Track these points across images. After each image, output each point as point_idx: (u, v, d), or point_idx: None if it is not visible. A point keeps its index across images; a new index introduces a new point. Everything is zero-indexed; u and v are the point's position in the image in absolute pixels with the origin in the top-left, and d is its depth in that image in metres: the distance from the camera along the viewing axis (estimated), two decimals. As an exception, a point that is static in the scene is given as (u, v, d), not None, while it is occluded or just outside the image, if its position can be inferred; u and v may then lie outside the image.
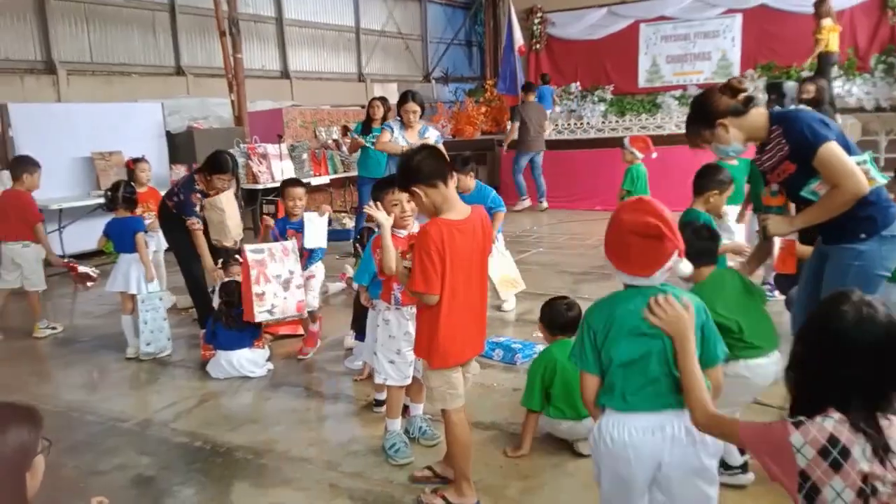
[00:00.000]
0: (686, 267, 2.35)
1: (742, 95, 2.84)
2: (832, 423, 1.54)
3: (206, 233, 4.99)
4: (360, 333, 4.66)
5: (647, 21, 14.55)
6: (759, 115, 2.87)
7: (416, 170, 2.65)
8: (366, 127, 8.06)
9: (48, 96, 9.32)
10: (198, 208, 4.90)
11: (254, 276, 4.29)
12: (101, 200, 7.82)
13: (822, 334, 1.62)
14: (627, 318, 1.93)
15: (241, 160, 8.93)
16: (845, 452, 1.51)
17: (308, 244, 4.60)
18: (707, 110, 2.89)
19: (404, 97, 6.54)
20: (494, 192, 5.40)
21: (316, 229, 4.65)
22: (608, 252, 2.00)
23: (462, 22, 17.99)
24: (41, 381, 4.75)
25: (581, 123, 11.82)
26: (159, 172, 9.10)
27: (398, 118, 6.67)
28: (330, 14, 14.39)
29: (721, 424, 1.79)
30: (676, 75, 14.39)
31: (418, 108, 6.46)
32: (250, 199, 9.05)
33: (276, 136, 9.34)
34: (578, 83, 14.88)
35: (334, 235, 9.17)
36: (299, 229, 4.58)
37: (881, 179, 2.79)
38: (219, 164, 4.87)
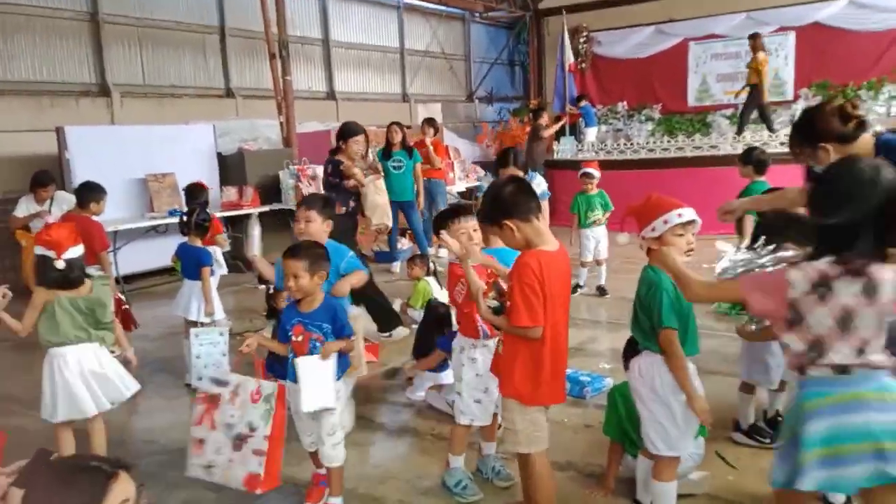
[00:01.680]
0: (622, 238, 2.81)
1: (853, 122, 2.69)
2: (825, 264, 1.95)
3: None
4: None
5: (696, 39, 14.36)
6: (865, 143, 2.72)
7: (510, 203, 2.53)
8: (386, 152, 8.19)
9: (102, 118, 9.45)
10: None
11: (196, 414, 3.03)
12: (154, 223, 7.94)
13: (839, 188, 1.98)
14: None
15: (290, 181, 8.93)
16: (831, 288, 1.93)
17: (305, 407, 2.89)
18: (813, 130, 2.77)
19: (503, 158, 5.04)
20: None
21: (314, 381, 2.89)
22: None
23: (505, 42, 17.94)
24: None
25: (631, 143, 11.58)
26: (210, 194, 9.15)
27: None
28: (375, 35, 14.45)
29: (720, 289, 2.44)
30: (727, 94, 14.13)
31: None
32: (299, 221, 9.02)
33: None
34: (625, 102, 14.71)
35: (381, 257, 9.14)
36: (309, 326, 2.96)
37: None
38: (351, 129, 5.28)
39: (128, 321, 5.48)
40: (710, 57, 14.28)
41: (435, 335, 4.45)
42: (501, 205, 2.55)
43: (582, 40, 15.44)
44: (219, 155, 9.34)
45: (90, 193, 5.59)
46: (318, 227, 3.61)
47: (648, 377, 2.60)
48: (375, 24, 14.49)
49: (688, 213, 2.54)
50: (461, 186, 11.56)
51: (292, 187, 8.87)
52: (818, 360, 1.97)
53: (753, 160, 5.31)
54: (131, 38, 10.03)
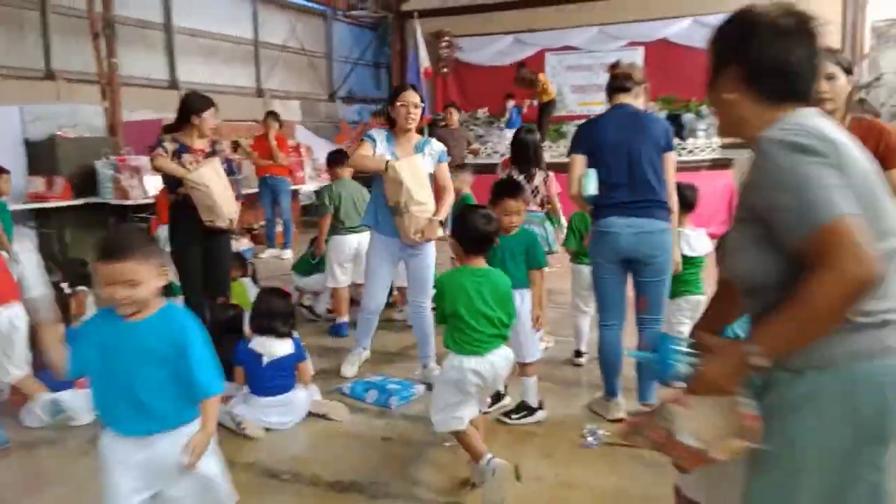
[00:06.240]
0: None
1: None
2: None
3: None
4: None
5: (552, 50, 14.58)
6: None
7: None
8: None
9: None
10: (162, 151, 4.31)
11: None
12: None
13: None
14: None
15: (108, 173, 8.10)
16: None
17: None
18: None
19: (400, 87, 4.18)
20: None
21: None
22: None
23: (369, 42, 17.57)
24: None
25: (496, 150, 11.53)
26: (16, 184, 8.13)
27: (384, 126, 4.21)
28: (225, 24, 13.57)
29: None
30: (580, 105, 14.45)
31: (419, 100, 4.02)
32: (120, 217, 8.20)
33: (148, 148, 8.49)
34: (486, 109, 14.72)
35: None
36: None
37: None
38: (192, 104, 4.23)
39: None
40: (564, 68, 14.54)
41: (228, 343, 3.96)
42: None
43: (444, 45, 15.32)
44: (27, 142, 8.34)
45: None
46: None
47: None
48: (225, 12, 13.65)
49: None
50: (313, 185, 11.10)
51: (110, 179, 8.03)
52: None
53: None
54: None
